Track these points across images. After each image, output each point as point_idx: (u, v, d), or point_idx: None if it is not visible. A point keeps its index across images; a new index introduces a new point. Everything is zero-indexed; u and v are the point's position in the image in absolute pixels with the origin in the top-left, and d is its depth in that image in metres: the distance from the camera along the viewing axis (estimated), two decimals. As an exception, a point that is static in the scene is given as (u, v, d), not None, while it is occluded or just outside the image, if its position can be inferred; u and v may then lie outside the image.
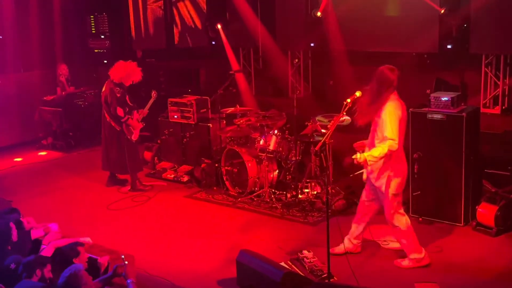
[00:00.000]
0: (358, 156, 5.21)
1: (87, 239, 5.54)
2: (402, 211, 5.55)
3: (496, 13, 7.60)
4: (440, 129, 6.33)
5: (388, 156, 5.25)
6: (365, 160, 5.19)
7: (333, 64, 9.50)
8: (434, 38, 8.20)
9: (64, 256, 4.61)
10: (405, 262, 5.61)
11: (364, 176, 5.59)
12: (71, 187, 8.59)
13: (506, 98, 8.23)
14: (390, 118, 5.20)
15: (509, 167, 6.57)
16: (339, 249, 5.78)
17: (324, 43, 9.47)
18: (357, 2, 8.84)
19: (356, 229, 5.82)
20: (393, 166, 5.35)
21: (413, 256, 5.57)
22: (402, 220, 5.51)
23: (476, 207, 6.27)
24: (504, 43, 7.67)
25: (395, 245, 5.92)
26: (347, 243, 5.81)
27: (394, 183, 5.38)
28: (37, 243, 5.44)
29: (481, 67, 8.28)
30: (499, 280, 5.33)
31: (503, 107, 8.21)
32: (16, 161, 10.03)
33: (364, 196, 5.72)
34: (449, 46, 8.18)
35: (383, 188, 5.39)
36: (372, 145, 5.37)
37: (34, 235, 5.49)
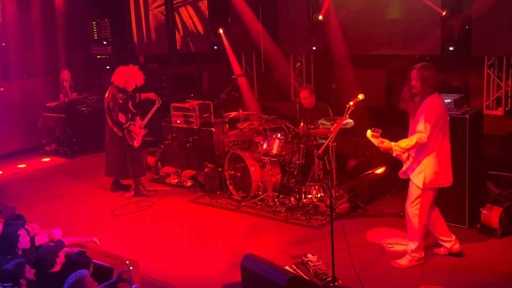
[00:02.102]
0: (385, 144, 5.30)
1: (94, 239, 5.58)
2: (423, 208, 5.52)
3: (498, 14, 7.61)
4: (443, 131, 6.32)
5: (421, 150, 5.34)
6: (390, 148, 5.29)
7: (335, 67, 9.52)
8: (436, 40, 8.21)
9: (74, 265, 4.61)
10: (404, 261, 5.64)
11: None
12: (75, 193, 8.60)
13: (509, 99, 8.23)
14: (426, 113, 5.28)
15: (513, 169, 6.57)
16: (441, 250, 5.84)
17: (326, 47, 9.50)
18: (359, 5, 8.86)
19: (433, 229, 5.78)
20: (429, 161, 5.37)
21: (413, 254, 5.60)
22: (415, 218, 5.52)
23: (481, 209, 6.26)
24: (506, 44, 7.67)
25: (400, 247, 5.91)
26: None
27: (428, 177, 5.39)
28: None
29: (484, 69, 8.28)
30: (505, 282, 5.31)
31: (506, 109, 8.20)
32: (20, 168, 10.04)
33: None
34: (451, 48, 8.19)
35: (419, 182, 5.40)
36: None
37: (38, 241, 5.49)
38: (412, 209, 5.53)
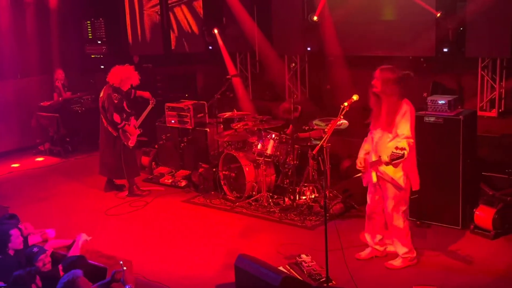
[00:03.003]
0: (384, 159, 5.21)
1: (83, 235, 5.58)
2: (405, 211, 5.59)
3: (491, 16, 7.63)
4: (437, 133, 6.34)
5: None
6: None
7: (330, 68, 9.54)
8: (430, 41, 8.23)
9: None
10: (397, 262, 5.66)
11: (375, 179, 5.55)
12: (69, 192, 8.57)
13: (503, 101, 8.26)
14: (410, 118, 5.28)
15: (507, 170, 6.58)
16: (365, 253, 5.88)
17: (321, 48, 9.50)
18: (354, 6, 8.87)
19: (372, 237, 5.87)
20: (410, 164, 5.41)
21: (406, 255, 5.63)
22: (401, 220, 5.55)
23: (474, 210, 6.28)
24: (500, 46, 7.69)
25: (394, 248, 5.92)
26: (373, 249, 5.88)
27: (412, 179, 5.46)
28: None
29: (478, 70, 8.30)
30: (497, 283, 5.33)
31: (500, 110, 8.23)
32: (13, 167, 10.01)
33: (370, 199, 5.75)
34: (445, 50, 8.22)
35: (405, 184, 5.41)
36: (377, 149, 5.40)
37: (31, 241, 5.49)
38: (396, 212, 5.53)
